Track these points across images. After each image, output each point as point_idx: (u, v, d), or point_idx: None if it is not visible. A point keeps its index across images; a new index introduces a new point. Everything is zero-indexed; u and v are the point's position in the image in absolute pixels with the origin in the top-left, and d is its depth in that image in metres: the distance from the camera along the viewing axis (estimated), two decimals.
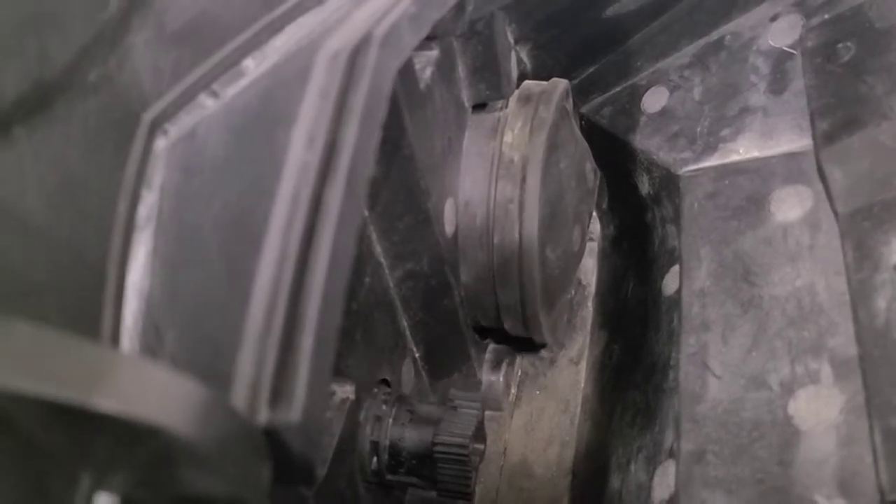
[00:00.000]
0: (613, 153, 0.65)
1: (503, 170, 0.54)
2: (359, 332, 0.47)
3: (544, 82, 0.59)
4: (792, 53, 0.53)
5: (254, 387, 0.23)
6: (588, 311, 0.69)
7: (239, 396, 0.23)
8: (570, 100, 0.61)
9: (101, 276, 0.29)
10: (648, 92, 0.63)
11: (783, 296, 0.42)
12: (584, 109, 0.68)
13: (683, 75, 0.61)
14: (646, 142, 0.60)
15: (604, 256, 0.70)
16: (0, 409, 0.19)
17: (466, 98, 0.54)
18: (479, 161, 0.55)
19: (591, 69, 0.66)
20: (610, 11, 0.58)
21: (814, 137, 0.45)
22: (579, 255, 0.63)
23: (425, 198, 0.48)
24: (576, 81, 0.66)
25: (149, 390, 0.20)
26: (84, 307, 0.27)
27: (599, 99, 0.67)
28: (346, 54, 0.28)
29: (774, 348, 0.41)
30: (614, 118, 0.65)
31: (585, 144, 0.63)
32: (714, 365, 0.43)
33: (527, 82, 0.58)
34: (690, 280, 0.47)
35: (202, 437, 0.20)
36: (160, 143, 0.34)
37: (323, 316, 0.24)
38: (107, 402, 0.19)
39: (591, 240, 0.72)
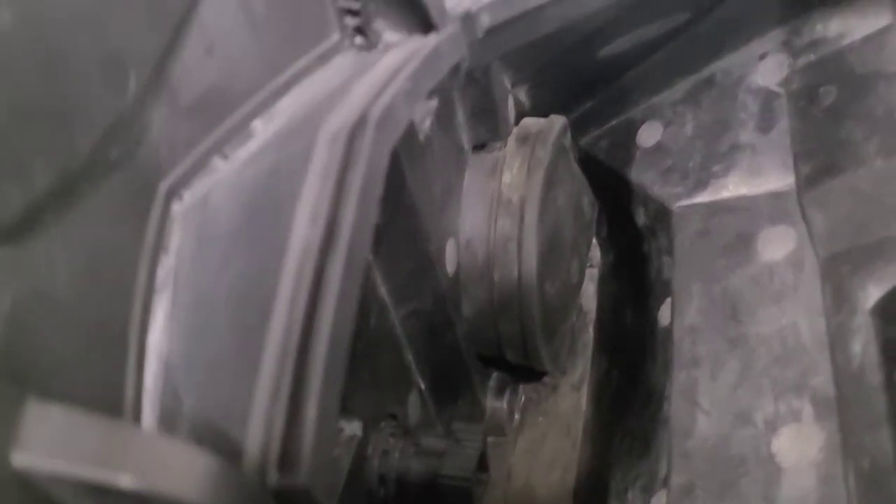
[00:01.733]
0: (611, 185, 0.67)
1: (502, 209, 0.56)
2: (366, 371, 0.49)
3: (542, 119, 0.61)
4: (778, 93, 0.55)
5: (263, 452, 0.26)
6: (589, 336, 0.71)
7: (250, 461, 0.26)
8: (568, 135, 0.63)
9: (124, 341, 0.31)
10: (643, 126, 0.65)
11: (768, 334, 0.44)
12: (582, 142, 0.70)
13: (676, 111, 0.63)
14: (641, 176, 0.63)
15: (604, 283, 0.72)
16: (38, 484, 0.22)
17: (466, 140, 0.57)
18: (480, 200, 0.57)
19: (589, 104, 0.68)
20: (604, 52, 0.60)
21: (797, 180, 0.47)
22: (578, 285, 0.65)
23: (426, 242, 0.50)
24: (574, 116, 0.68)
25: (167, 466, 0.22)
26: (109, 375, 0.29)
27: (597, 132, 0.69)
28: (344, 136, 0.30)
29: (760, 386, 0.43)
30: (611, 151, 0.67)
31: (583, 178, 0.65)
32: (703, 401, 0.45)
33: (525, 120, 0.61)
34: (682, 316, 0.49)
35: None
36: (176, 208, 0.37)
37: (326, 383, 0.27)
38: (132, 480, 0.21)
39: (592, 266, 0.74)
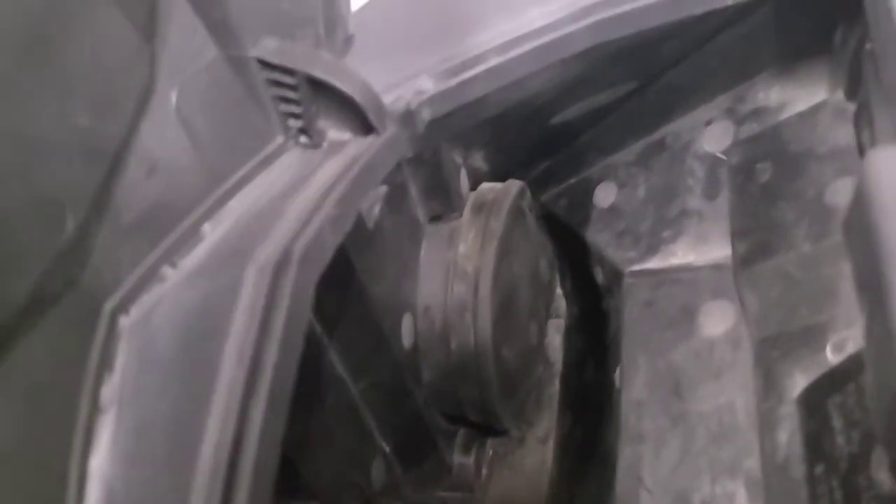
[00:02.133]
0: (570, 242, 0.68)
1: (458, 279, 0.58)
2: (323, 449, 0.51)
3: (499, 185, 0.63)
4: (723, 159, 0.57)
5: None
6: (555, 388, 0.72)
7: None
8: (527, 196, 0.65)
9: (64, 470, 0.33)
10: (599, 186, 0.66)
11: (708, 412, 0.46)
12: (542, 198, 0.71)
13: (630, 172, 0.64)
14: (597, 237, 0.64)
15: (569, 335, 0.74)
16: None
17: (421, 214, 0.58)
18: (437, 270, 0.59)
19: (546, 164, 0.69)
20: (555, 120, 0.62)
21: (733, 258, 0.48)
22: (538, 346, 0.67)
23: (380, 322, 0.51)
24: (533, 175, 0.70)
25: None
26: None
27: (556, 190, 0.70)
28: (269, 272, 0.31)
29: (698, 465, 0.44)
30: (570, 210, 0.68)
31: (542, 239, 0.66)
32: (647, 478, 0.46)
33: (481, 187, 0.62)
34: (629, 390, 0.50)
35: None
36: (123, 322, 0.38)
37: None
38: None
39: (558, 317, 0.76)
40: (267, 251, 0.33)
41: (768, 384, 0.42)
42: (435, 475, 0.65)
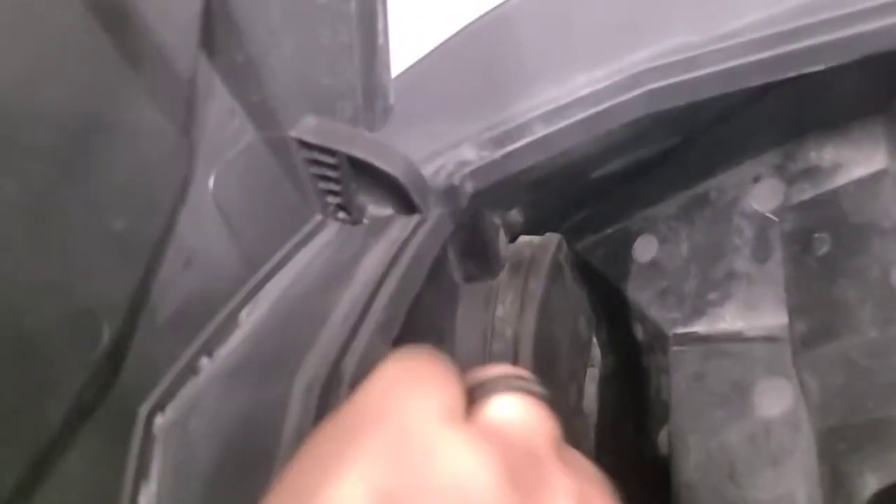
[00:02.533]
0: (607, 294, 0.66)
1: (496, 344, 0.55)
2: None
3: (537, 240, 0.60)
4: (773, 220, 0.55)
5: None
6: (590, 441, 0.70)
7: None
8: (564, 249, 0.63)
9: None
10: (639, 240, 0.64)
11: (766, 501, 0.44)
12: (578, 247, 0.69)
13: (671, 227, 0.62)
14: (637, 294, 0.62)
15: (604, 386, 0.71)
16: None
17: (458, 275, 0.56)
18: (474, 334, 0.56)
19: (583, 214, 0.67)
20: (595, 174, 0.60)
21: (791, 336, 0.46)
22: (578, 408, 0.65)
23: None
24: (569, 224, 0.68)
25: None
26: None
27: (593, 239, 0.68)
28: (317, 391, 0.30)
29: None
30: (607, 261, 0.66)
31: (580, 295, 0.64)
32: None
33: (519, 242, 0.60)
34: (678, 471, 0.48)
35: None
36: (158, 422, 0.37)
37: None
38: None
39: (593, 366, 0.74)
40: (314, 365, 0.31)
41: (836, 481, 0.40)
42: None
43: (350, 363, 0.30)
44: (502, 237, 0.58)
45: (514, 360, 0.55)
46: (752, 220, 0.56)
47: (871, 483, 0.38)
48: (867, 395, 0.41)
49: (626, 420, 0.66)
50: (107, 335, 0.32)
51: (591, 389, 0.73)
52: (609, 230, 0.67)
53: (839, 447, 0.41)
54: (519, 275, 0.57)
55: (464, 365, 0.56)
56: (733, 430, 0.47)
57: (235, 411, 0.34)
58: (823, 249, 0.47)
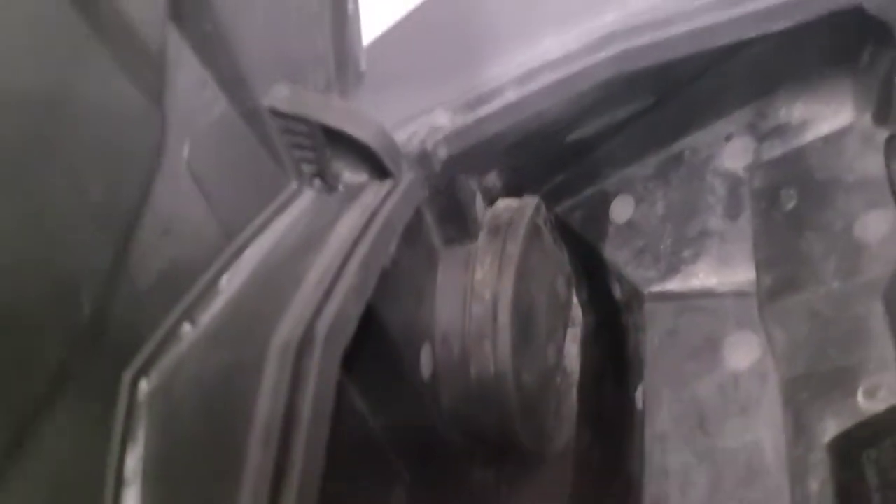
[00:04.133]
0: (587, 255, 0.67)
1: (475, 306, 0.57)
2: (340, 482, 0.50)
3: (514, 203, 0.61)
4: (745, 179, 0.56)
5: None
6: (573, 399, 0.72)
7: None
8: (542, 212, 0.64)
9: None
10: (616, 200, 0.65)
11: (735, 449, 0.45)
12: (557, 210, 0.70)
13: (647, 187, 0.63)
14: (615, 254, 0.63)
15: (586, 345, 0.73)
16: None
17: (436, 239, 0.57)
18: (454, 296, 0.58)
19: (561, 177, 0.68)
20: (571, 137, 0.60)
21: (758, 290, 0.48)
22: (557, 366, 0.66)
23: (399, 356, 0.51)
24: (547, 188, 0.69)
25: None
26: None
27: (571, 202, 0.69)
28: (292, 353, 0.31)
29: None
30: (585, 224, 0.67)
31: (559, 256, 0.65)
32: None
33: (497, 206, 0.61)
34: (652, 422, 0.50)
35: None
36: (143, 387, 0.38)
37: None
38: None
39: (574, 325, 0.75)
40: (288, 328, 0.32)
41: (798, 427, 0.42)
42: (455, 496, 0.64)
43: (323, 325, 0.31)
44: (479, 201, 0.59)
45: (493, 322, 0.56)
46: (724, 178, 0.57)
47: (831, 428, 0.40)
48: (829, 345, 0.42)
49: (606, 377, 0.67)
50: (87, 304, 0.33)
51: (573, 349, 0.75)
52: (587, 192, 0.68)
53: (802, 395, 0.42)
54: (497, 238, 0.58)
55: (445, 326, 0.58)
56: (704, 383, 0.49)
57: (217, 375, 0.35)
58: (790, 205, 0.48)
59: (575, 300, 0.75)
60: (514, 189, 0.64)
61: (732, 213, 0.56)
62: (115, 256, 0.34)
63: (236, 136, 0.41)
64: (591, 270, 0.68)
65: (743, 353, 0.48)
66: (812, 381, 0.42)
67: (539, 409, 0.63)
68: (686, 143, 0.61)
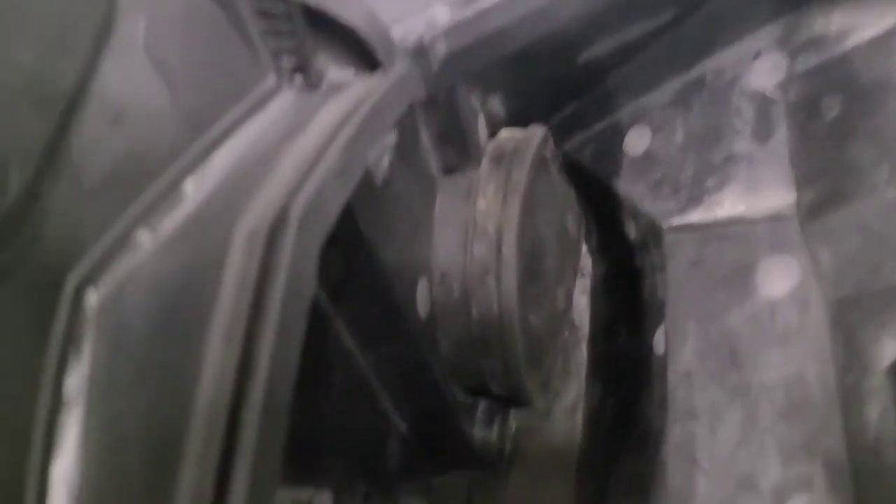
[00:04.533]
0: (598, 194, 0.62)
1: (478, 240, 0.51)
2: (332, 431, 0.45)
3: (520, 132, 0.56)
4: (775, 98, 0.50)
5: None
6: (582, 354, 0.67)
7: None
8: (550, 145, 0.58)
9: (21, 478, 0.27)
10: (630, 132, 0.60)
11: (771, 384, 0.40)
12: (566, 147, 0.65)
13: (665, 115, 0.58)
14: (629, 188, 0.58)
15: (596, 296, 0.68)
16: None
17: (434, 165, 0.52)
18: (453, 229, 0.52)
19: (571, 108, 0.63)
20: (583, 56, 0.55)
21: (798, 207, 0.42)
22: (566, 311, 0.61)
23: (391, 289, 0.45)
24: (555, 120, 0.63)
25: None
26: None
27: (581, 137, 0.64)
28: (262, 238, 0.25)
29: (764, 445, 0.39)
30: (597, 159, 0.62)
31: (568, 192, 0.60)
32: (702, 459, 0.41)
33: (501, 135, 0.56)
34: (675, 360, 0.45)
35: None
36: (91, 300, 0.32)
37: None
38: None
39: (584, 276, 0.70)
40: (259, 210, 0.26)
41: (850, 352, 0.36)
42: (455, 453, 0.59)
43: (298, 206, 0.26)
44: (482, 125, 0.53)
45: (497, 255, 0.51)
46: (752, 98, 0.52)
47: (889, 350, 0.35)
48: (884, 260, 0.37)
49: (619, 326, 0.62)
50: (16, 182, 0.27)
51: (582, 301, 0.70)
52: (599, 125, 0.63)
53: (853, 317, 0.37)
54: (501, 166, 0.53)
55: (443, 261, 0.52)
56: (734, 314, 0.43)
57: (174, 274, 0.29)
58: (833, 114, 0.43)
59: (584, 249, 0.70)
60: (519, 118, 0.58)
61: (762, 134, 0.50)
62: (53, 135, 0.29)
63: (203, 15, 0.35)
64: (604, 211, 0.63)
65: (780, 278, 0.43)
66: (864, 302, 0.37)
67: (546, 357, 0.58)
68: (708, 65, 0.56)
